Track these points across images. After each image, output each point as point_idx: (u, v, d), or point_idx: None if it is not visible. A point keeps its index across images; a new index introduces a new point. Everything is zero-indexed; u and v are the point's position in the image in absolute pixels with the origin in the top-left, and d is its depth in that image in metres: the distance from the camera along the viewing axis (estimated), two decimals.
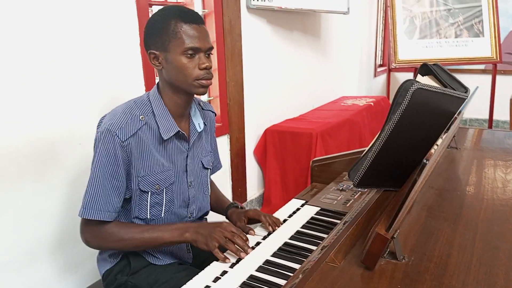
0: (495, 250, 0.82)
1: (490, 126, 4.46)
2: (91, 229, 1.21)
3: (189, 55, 1.16)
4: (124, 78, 1.88)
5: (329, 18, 3.81)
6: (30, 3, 1.50)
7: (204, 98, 2.57)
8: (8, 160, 1.51)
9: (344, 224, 1.05)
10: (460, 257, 0.80)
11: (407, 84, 0.90)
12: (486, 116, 4.52)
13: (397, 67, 4.19)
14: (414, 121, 0.92)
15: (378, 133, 1.01)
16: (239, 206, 1.45)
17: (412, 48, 4.21)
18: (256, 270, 1.05)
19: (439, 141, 0.94)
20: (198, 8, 2.45)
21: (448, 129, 0.95)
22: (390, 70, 5.00)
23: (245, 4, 2.68)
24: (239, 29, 2.65)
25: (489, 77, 4.41)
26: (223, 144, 2.64)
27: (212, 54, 1.24)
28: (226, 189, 2.75)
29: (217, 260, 1.11)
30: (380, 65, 5.56)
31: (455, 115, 0.99)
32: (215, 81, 2.55)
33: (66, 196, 1.72)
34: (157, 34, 1.18)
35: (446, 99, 0.94)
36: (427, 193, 1.09)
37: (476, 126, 5.37)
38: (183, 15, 1.16)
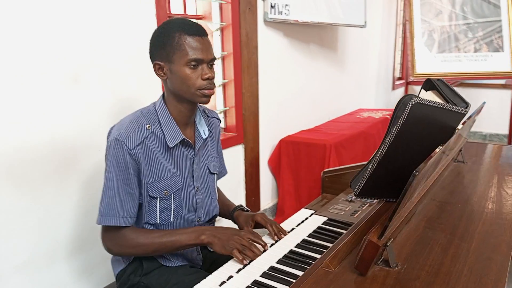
0: (488, 261, 0.84)
1: (510, 142, 4.40)
2: (111, 236, 1.27)
3: (192, 66, 1.21)
4: (143, 88, 1.96)
5: (346, 31, 3.85)
6: (63, 15, 1.60)
7: (219, 108, 2.63)
8: (32, 164, 1.59)
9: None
10: (452, 266, 0.82)
11: (406, 98, 0.93)
12: (507, 131, 4.46)
13: (414, 80, 4.19)
14: (412, 134, 0.95)
15: (379, 145, 1.04)
16: (245, 209, 1.49)
17: (430, 62, 4.20)
18: (261, 276, 1.09)
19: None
20: (216, 21, 2.52)
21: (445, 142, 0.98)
22: (408, 84, 5.00)
23: (262, 17, 2.75)
24: (256, 42, 2.72)
25: (509, 92, 4.36)
26: (238, 153, 2.68)
27: (214, 64, 1.29)
28: (239, 198, 2.80)
29: (226, 263, 1.15)
30: (399, 78, 5.55)
31: (457, 129, 1.02)
32: (230, 91, 2.61)
33: (85, 201, 1.79)
34: (162, 46, 1.24)
35: (445, 113, 0.97)
36: (428, 205, 1.12)
37: (496, 141, 5.29)
38: (187, 27, 1.22)
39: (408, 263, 0.84)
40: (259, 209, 2.97)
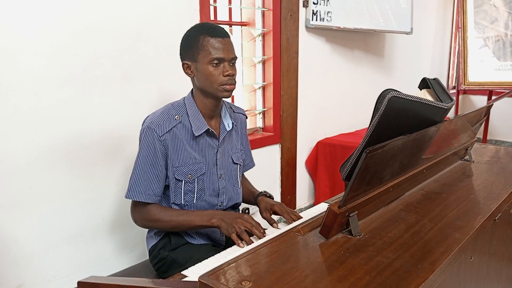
0: (446, 237, 0.92)
1: None
2: (138, 210, 1.47)
3: (214, 64, 1.39)
4: (183, 86, 2.15)
5: (394, 37, 3.87)
6: (117, 24, 1.85)
7: (259, 109, 2.80)
8: (85, 150, 1.84)
9: None
10: (410, 239, 0.92)
11: (384, 92, 1.04)
12: None
13: (466, 89, 4.12)
14: (391, 125, 1.06)
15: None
16: (268, 194, 1.63)
17: (484, 70, 4.11)
18: None
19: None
20: (258, 27, 2.70)
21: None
22: (459, 92, 4.88)
23: (303, 24, 2.89)
24: (296, 47, 2.86)
25: None
26: (275, 153, 2.83)
27: (236, 63, 1.45)
28: (275, 195, 2.93)
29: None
30: (454, 87, 5.42)
31: (442, 123, 1.09)
32: (269, 93, 2.77)
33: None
34: (189, 47, 1.42)
35: (424, 107, 1.06)
36: (414, 193, 1.20)
37: None
38: (210, 30, 1.40)
39: (371, 234, 0.94)
40: (295, 208, 3.09)
